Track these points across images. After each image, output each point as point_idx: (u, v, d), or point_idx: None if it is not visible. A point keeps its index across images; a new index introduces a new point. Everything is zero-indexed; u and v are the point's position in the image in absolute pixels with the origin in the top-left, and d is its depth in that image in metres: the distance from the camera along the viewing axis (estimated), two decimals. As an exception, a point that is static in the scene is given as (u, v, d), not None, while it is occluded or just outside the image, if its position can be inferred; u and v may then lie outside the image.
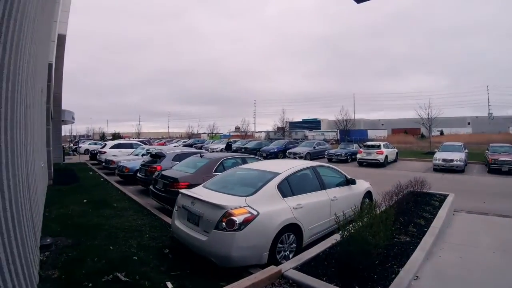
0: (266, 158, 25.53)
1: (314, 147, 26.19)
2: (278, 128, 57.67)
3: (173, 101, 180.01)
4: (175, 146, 39.74)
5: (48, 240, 5.25)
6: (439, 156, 17.92)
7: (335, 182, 6.42)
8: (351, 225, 4.40)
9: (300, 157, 23.93)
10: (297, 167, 5.72)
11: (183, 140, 49.89)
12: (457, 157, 17.23)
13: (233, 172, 6.34)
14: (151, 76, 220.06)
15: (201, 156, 8.72)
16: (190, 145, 41.51)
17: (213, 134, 68.00)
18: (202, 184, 5.77)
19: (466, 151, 19.15)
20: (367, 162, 20.49)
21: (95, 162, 20.09)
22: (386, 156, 20.56)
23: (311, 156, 24.74)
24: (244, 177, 6.00)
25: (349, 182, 6.63)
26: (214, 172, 7.72)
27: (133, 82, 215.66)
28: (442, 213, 6.63)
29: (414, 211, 6.80)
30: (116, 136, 73.50)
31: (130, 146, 19.73)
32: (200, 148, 37.97)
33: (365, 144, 22.92)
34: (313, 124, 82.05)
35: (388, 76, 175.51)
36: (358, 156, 21.23)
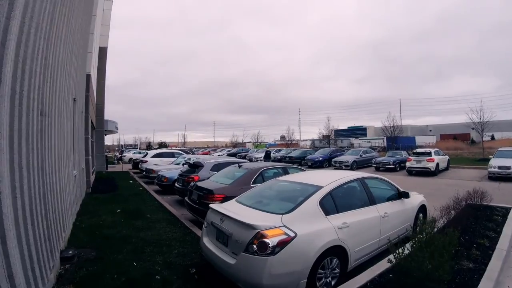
0: (311, 167, 25.13)
1: (360, 155, 24.79)
2: (323, 136, 56.62)
3: (219, 110, 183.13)
4: (219, 155, 39.70)
5: (70, 252, 5.00)
6: (495, 163, 16.05)
7: (385, 196, 5.58)
8: (406, 248, 3.64)
9: (346, 166, 22.74)
10: (343, 179, 4.94)
11: (227, 149, 50.00)
12: (515, 164, 15.27)
13: (270, 185, 5.67)
14: (198, 87, 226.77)
15: (239, 166, 8.15)
16: (234, 154, 41.45)
17: (258, 143, 68.00)
18: (236, 198, 5.18)
19: (524, 157, 17.06)
20: (417, 170, 18.84)
21: (137, 171, 20.37)
22: (438, 164, 18.87)
23: (357, 164, 23.48)
24: (282, 190, 5.30)
25: (402, 195, 5.77)
26: (253, 183, 7.13)
27: (180, 93, 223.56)
28: (507, 231, 5.69)
29: (475, 228, 5.86)
30: (162, 145, 76.08)
31: (171, 155, 19.78)
32: (244, 157, 37.85)
33: (415, 151, 21.02)
34: (359, 132, 79.68)
35: (435, 80, 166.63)
36: (407, 164, 19.56)
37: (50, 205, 4.40)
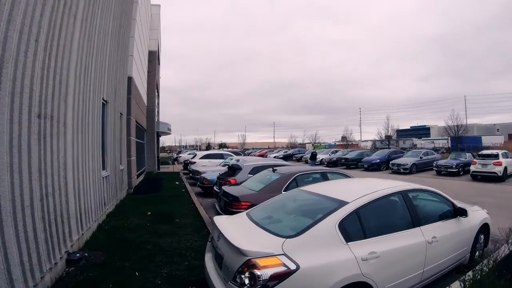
0: (367, 169, 24.22)
1: (420, 158, 22.53)
2: (386, 136, 54.25)
3: (280, 111, 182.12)
4: (275, 156, 40.68)
5: (78, 255, 4.96)
6: None
7: (436, 214, 4.47)
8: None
9: (405, 169, 20.98)
10: (378, 193, 3.86)
11: (284, 150, 49.85)
12: None
13: (290, 196, 4.81)
14: (259, 87, 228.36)
15: (273, 170, 7.47)
16: (291, 155, 41.54)
17: (315, 144, 67.27)
18: (248, 210, 4.54)
19: None
20: (482, 175, 16.72)
21: (187, 171, 20.70)
22: (506, 168, 16.50)
23: (417, 167, 21.51)
24: (300, 204, 4.45)
25: (458, 213, 4.54)
26: (285, 190, 6.41)
27: (242, 94, 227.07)
28: None
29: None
30: (222, 146, 78.33)
31: (220, 156, 19.74)
32: (300, 158, 37.41)
33: (480, 153, 18.64)
34: (422, 132, 74.59)
35: (504, 74, 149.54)
36: (472, 168, 17.41)
37: (52, 207, 4.34)
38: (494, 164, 16.40)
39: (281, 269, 2.81)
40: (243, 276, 2.86)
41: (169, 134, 29.62)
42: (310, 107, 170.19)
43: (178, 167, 25.16)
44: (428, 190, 4.66)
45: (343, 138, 72.56)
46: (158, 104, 28.37)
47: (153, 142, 21.33)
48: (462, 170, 19.41)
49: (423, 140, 61.71)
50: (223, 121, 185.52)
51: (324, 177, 7.22)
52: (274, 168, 7.74)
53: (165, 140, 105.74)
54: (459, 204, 4.80)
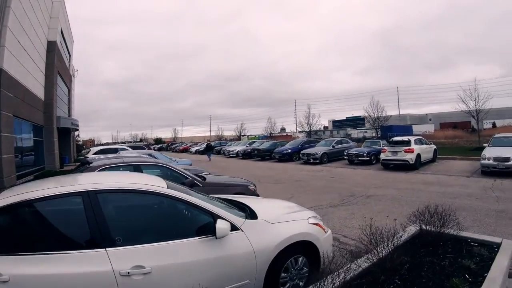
0: (279, 160, 24.54)
1: (333, 146, 22.39)
2: (323, 128, 56.47)
3: (222, 104, 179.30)
4: (197, 149, 44.05)
5: None
6: (489, 153, 12.84)
7: (168, 229, 3.11)
8: None
9: (315, 159, 20.87)
10: (35, 193, 2.66)
11: (206, 143, 51.63)
12: (515, 154, 12.22)
13: None
14: (202, 81, 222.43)
15: (88, 164, 7.00)
16: (211, 147, 42.91)
17: (242, 136, 69.35)
18: None
19: (528, 145, 13.44)
20: (393, 163, 16.02)
21: (87, 168, 19.84)
22: (419, 155, 15.81)
23: (328, 157, 21.37)
24: None
25: (203, 230, 3.03)
26: None
27: (183, 88, 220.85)
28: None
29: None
30: (158, 141, 77.75)
31: (115, 151, 18.67)
32: (219, 151, 39.88)
33: (391, 140, 17.89)
34: (357, 122, 78.06)
35: (441, 69, 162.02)
36: (382, 156, 16.65)
37: None
38: (405, 152, 15.65)
39: None
40: None
41: (77, 130, 28.26)
42: (253, 100, 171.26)
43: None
44: (154, 192, 3.05)
45: (282, 129, 74.33)
46: (69, 99, 26.79)
47: (52, 138, 20.25)
48: (375, 158, 18.87)
49: (357, 130, 64.80)
50: (163, 116, 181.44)
51: (136, 170, 6.78)
52: (90, 162, 7.37)
53: (102, 137, 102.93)
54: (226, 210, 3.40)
